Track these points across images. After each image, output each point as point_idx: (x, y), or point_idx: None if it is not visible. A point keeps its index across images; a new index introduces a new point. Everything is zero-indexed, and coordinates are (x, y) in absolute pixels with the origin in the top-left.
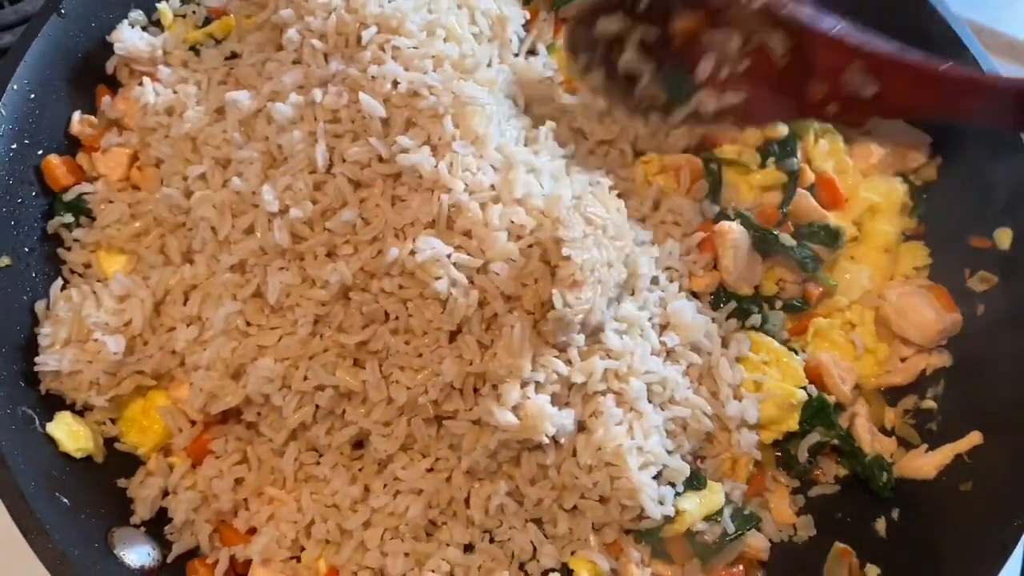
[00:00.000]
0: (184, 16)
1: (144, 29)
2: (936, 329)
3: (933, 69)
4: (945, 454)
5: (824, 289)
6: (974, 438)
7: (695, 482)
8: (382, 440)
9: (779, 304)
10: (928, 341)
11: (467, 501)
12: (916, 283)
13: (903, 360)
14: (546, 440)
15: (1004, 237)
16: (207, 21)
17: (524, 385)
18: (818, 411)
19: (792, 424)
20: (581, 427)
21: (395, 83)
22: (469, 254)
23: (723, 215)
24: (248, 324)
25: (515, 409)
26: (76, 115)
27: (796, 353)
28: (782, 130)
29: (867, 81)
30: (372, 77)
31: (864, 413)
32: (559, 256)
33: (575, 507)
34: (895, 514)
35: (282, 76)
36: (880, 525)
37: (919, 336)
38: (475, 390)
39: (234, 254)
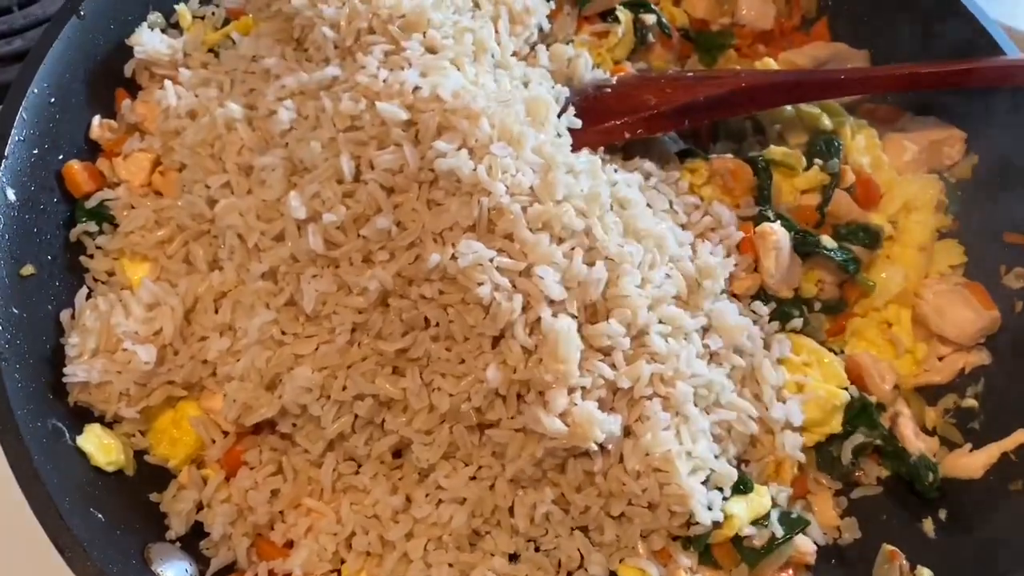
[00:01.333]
0: (203, 17)
1: (163, 31)
2: (975, 327)
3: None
4: (991, 453)
5: (862, 290)
6: (1020, 436)
7: (742, 486)
8: (424, 449)
9: (818, 306)
10: (967, 339)
11: (511, 510)
12: (952, 281)
13: (941, 359)
14: (594, 447)
15: None
16: (226, 22)
17: (571, 391)
18: (860, 412)
19: (835, 426)
20: (627, 432)
21: (416, 88)
22: (511, 257)
23: (763, 216)
24: (283, 333)
25: (562, 416)
26: (96, 119)
27: (835, 353)
28: (825, 121)
29: None
30: (384, 81)
31: (907, 413)
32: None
33: (622, 514)
34: (942, 515)
35: (283, 80)
36: (928, 526)
37: (958, 334)
38: (519, 396)
39: (264, 262)
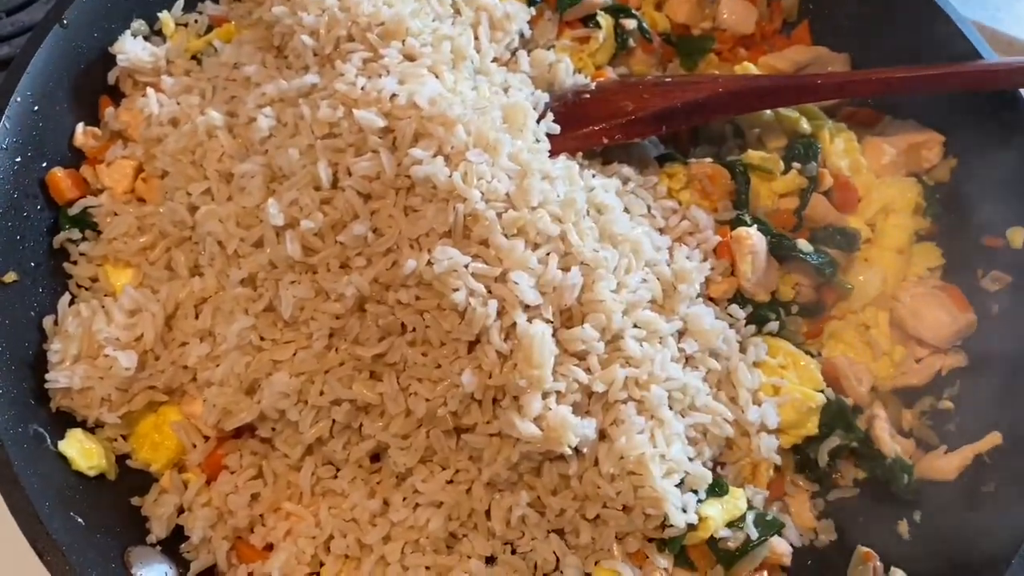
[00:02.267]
0: (186, 25)
1: (146, 39)
2: (951, 330)
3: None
4: (965, 455)
5: (839, 292)
6: (994, 439)
7: (717, 488)
8: (401, 453)
9: (795, 309)
10: (943, 342)
11: (488, 513)
12: (930, 284)
13: (918, 361)
14: (569, 451)
15: (1017, 236)
16: (209, 29)
17: (545, 396)
18: (837, 414)
19: (811, 428)
20: (602, 436)
21: (393, 95)
22: (486, 263)
23: (740, 220)
24: (262, 339)
25: (537, 420)
26: (80, 127)
27: (812, 356)
28: (804, 125)
29: None
30: (362, 89)
31: (883, 415)
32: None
33: (598, 516)
34: (917, 516)
35: (263, 87)
36: (903, 527)
37: (934, 337)
38: (494, 401)
39: (243, 268)
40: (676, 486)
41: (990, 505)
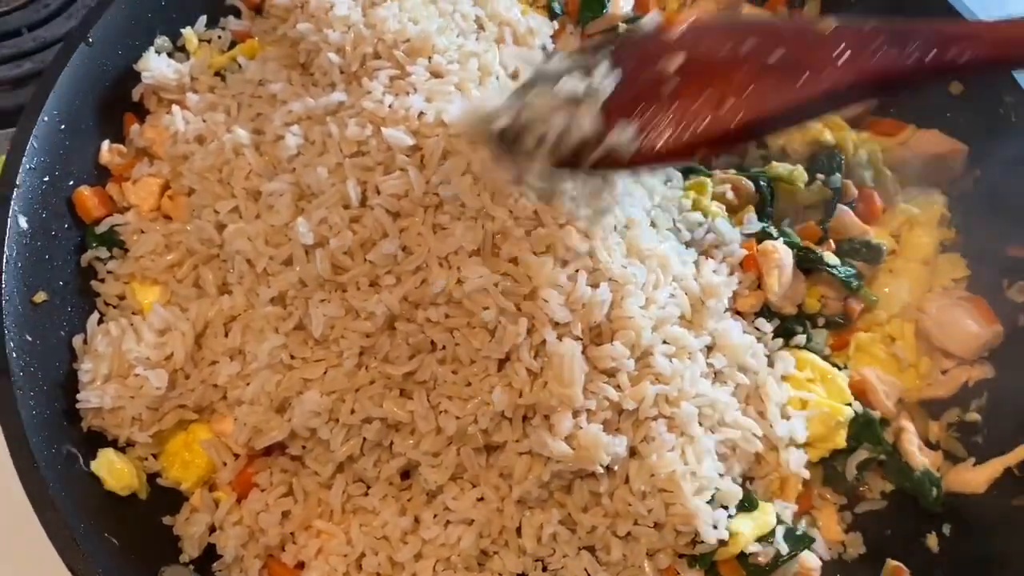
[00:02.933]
0: (209, 41)
1: (170, 55)
2: (978, 342)
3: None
4: (995, 467)
5: (865, 304)
6: (1023, 451)
7: (747, 504)
8: (432, 471)
9: (822, 321)
10: (970, 353)
11: (519, 530)
12: (955, 295)
13: (944, 373)
14: (600, 469)
15: None
16: (232, 45)
17: (576, 414)
18: (864, 427)
19: (839, 441)
20: (632, 453)
21: (421, 113)
22: (516, 281)
23: (766, 233)
24: (292, 357)
25: (568, 439)
26: (105, 144)
27: (839, 368)
28: (828, 137)
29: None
30: (390, 107)
31: (910, 428)
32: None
33: (629, 533)
34: (946, 530)
35: (290, 105)
36: (932, 541)
37: (960, 349)
38: (525, 418)
39: (273, 287)
40: (707, 503)
41: (1021, 518)
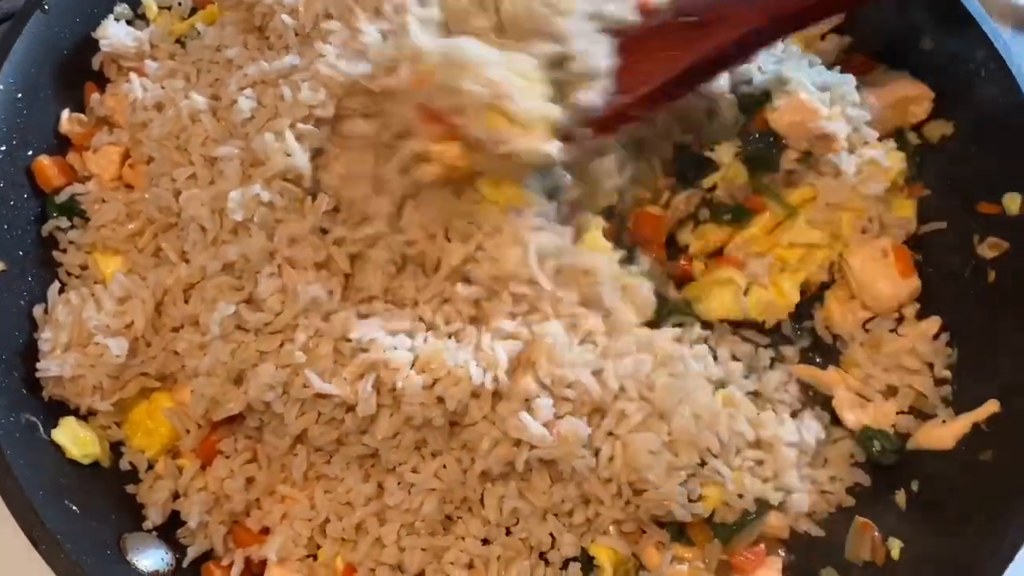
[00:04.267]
0: (169, 8)
1: (129, 23)
2: (891, 304)
3: None
4: (963, 423)
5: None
6: (991, 406)
7: None
8: (391, 452)
9: None
10: (884, 311)
11: (482, 500)
12: (879, 245)
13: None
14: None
15: (1013, 202)
16: (193, 12)
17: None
18: None
19: None
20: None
21: None
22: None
23: None
24: (246, 331)
25: (547, 425)
26: (65, 113)
27: None
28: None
29: None
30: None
31: (839, 392)
32: None
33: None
34: (914, 486)
35: (245, 69)
36: (900, 498)
37: (876, 306)
38: (495, 394)
39: (221, 256)
40: (682, 484)
41: (988, 474)
